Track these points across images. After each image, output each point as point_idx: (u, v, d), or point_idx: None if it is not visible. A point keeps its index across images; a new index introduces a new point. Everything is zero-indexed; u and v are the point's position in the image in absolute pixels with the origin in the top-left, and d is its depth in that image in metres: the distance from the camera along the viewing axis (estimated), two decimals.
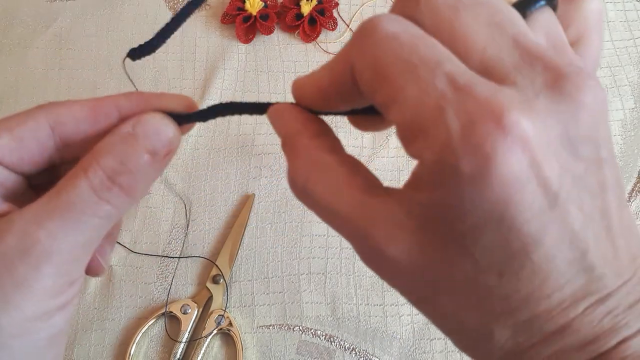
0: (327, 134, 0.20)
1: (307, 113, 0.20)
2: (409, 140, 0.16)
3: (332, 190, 0.18)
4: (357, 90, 0.17)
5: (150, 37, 0.23)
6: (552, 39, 0.17)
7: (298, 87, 0.21)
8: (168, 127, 0.23)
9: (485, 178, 0.14)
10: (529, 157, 0.14)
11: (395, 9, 0.18)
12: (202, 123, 0.54)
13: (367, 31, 0.16)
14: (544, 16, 0.18)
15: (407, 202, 0.16)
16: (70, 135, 0.22)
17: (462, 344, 0.18)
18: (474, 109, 0.14)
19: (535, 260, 0.15)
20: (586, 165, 0.15)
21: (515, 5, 0.17)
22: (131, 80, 0.23)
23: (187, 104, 0.24)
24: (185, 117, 0.21)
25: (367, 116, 0.21)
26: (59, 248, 0.20)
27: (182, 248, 0.47)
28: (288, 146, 0.20)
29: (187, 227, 0.48)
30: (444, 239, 0.15)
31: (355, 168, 0.19)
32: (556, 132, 0.15)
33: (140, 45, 0.22)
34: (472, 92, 0.14)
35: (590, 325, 0.15)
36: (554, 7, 0.18)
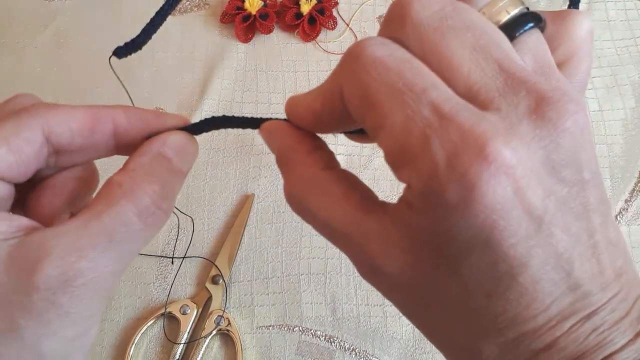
0: (322, 148, 0.20)
1: (298, 130, 0.21)
2: (397, 167, 0.16)
3: (329, 207, 0.18)
4: (349, 114, 0.18)
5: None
6: (539, 62, 0.17)
7: (292, 106, 0.21)
8: (193, 146, 0.23)
9: (470, 206, 0.14)
10: (513, 184, 0.14)
11: (382, 32, 0.18)
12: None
13: (354, 56, 0.17)
14: (531, 38, 0.18)
15: (400, 221, 0.17)
16: (63, 145, 0.22)
17: (451, 359, 0.18)
18: (458, 138, 0.14)
19: (521, 282, 0.15)
20: (569, 188, 0.15)
21: (502, 28, 0.17)
22: (119, 79, 0.23)
23: (184, 123, 0.23)
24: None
25: (361, 136, 0.21)
26: (100, 278, 0.19)
27: (186, 249, 0.47)
28: (283, 162, 0.20)
29: (191, 238, 0.48)
30: (433, 259, 0.16)
31: (351, 183, 0.19)
32: (539, 157, 0.15)
33: (126, 43, 0.22)
34: (455, 120, 0.15)
35: (576, 343, 0.16)
36: (542, 29, 0.18)
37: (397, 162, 0.16)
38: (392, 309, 0.45)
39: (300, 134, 0.20)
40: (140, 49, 0.23)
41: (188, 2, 0.59)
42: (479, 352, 0.17)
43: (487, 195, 0.14)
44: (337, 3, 0.58)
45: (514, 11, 0.18)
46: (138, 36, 0.23)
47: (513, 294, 0.15)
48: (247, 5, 0.55)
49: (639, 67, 0.56)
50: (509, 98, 0.15)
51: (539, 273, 0.15)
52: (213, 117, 0.22)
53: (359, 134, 0.21)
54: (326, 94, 0.19)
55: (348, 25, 0.58)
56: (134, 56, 0.59)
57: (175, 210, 0.49)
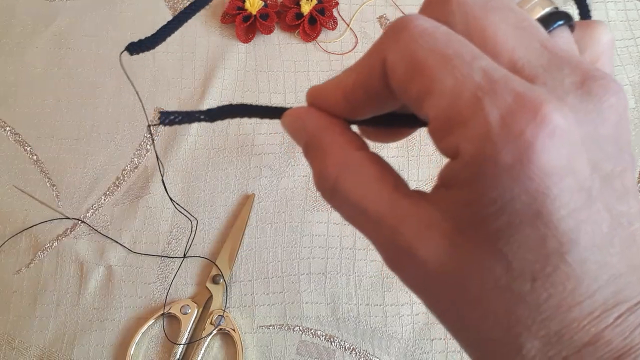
0: (351, 131, 0.20)
1: (326, 114, 0.20)
2: (443, 134, 0.15)
3: (363, 188, 0.18)
4: (386, 89, 0.17)
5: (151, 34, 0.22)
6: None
7: (316, 91, 0.20)
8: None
9: (526, 167, 0.14)
10: (567, 150, 0.14)
11: (423, 11, 0.18)
12: (202, 123, 0.54)
13: (401, 26, 0.17)
14: (563, 34, 0.18)
15: (441, 202, 0.16)
16: None
17: (482, 358, 0.17)
18: (512, 100, 0.14)
19: (569, 262, 0.15)
20: (613, 166, 0.15)
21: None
22: (127, 76, 0.23)
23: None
24: (193, 117, 0.21)
25: (383, 127, 0.20)
26: None
27: (186, 248, 0.47)
28: (314, 145, 0.19)
29: (193, 238, 0.48)
30: (477, 240, 0.15)
31: (385, 166, 0.18)
32: (586, 129, 0.15)
33: (140, 40, 0.21)
34: (508, 85, 0.14)
35: (622, 337, 0.15)
36: (572, 28, 0.19)
37: (444, 128, 0.15)
38: (392, 309, 0.45)
39: (330, 116, 0.20)
40: (154, 48, 0.22)
41: (188, 2, 0.59)
42: (519, 349, 0.15)
43: (544, 156, 0.14)
44: (337, 3, 0.58)
45: (547, 9, 0.18)
46: (154, 34, 0.22)
47: (559, 277, 0.15)
48: (247, 5, 0.56)
49: (639, 68, 0.56)
50: (553, 74, 0.15)
51: (586, 253, 0.14)
52: (231, 104, 0.21)
53: (377, 125, 0.20)
54: (363, 69, 0.18)
55: (348, 25, 0.58)
56: (134, 56, 0.59)
57: (175, 210, 0.49)
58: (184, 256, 0.47)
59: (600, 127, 0.15)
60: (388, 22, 0.58)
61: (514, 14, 0.17)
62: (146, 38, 0.22)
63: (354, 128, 0.20)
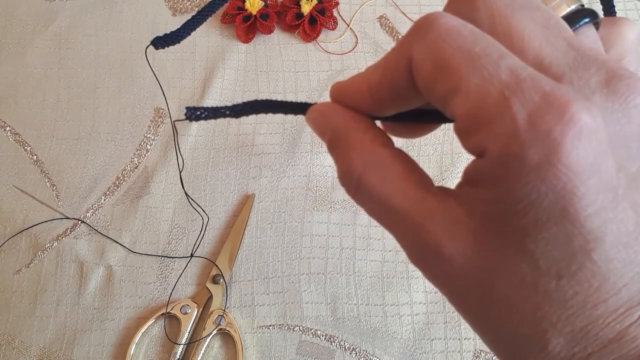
0: (376, 127, 0.20)
1: (351, 110, 0.20)
2: (470, 132, 0.16)
3: (389, 184, 0.18)
4: (411, 87, 0.17)
5: (165, 32, 0.21)
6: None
7: (340, 88, 0.20)
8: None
9: (553, 166, 0.14)
10: (594, 149, 0.14)
11: (449, 8, 0.18)
12: (204, 121, 0.54)
13: (427, 24, 0.17)
14: (588, 32, 0.18)
15: (467, 199, 0.16)
16: None
17: (508, 356, 0.17)
18: (539, 99, 0.14)
19: (595, 259, 0.15)
20: (638, 165, 0.15)
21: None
22: (152, 70, 0.23)
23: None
24: (219, 112, 0.20)
25: (408, 123, 0.20)
26: None
27: (194, 248, 0.47)
28: (339, 141, 0.19)
29: (203, 234, 0.48)
30: (504, 238, 0.15)
31: (410, 163, 0.18)
32: (612, 129, 0.15)
33: (166, 34, 0.21)
34: (535, 83, 0.15)
35: None
36: (597, 26, 0.19)
37: (471, 127, 0.15)
38: (392, 309, 0.46)
39: (355, 112, 0.20)
40: (179, 42, 0.22)
41: (189, 2, 0.59)
42: (545, 345, 0.15)
43: (572, 156, 0.14)
44: (337, 3, 0.58)
45: (572, 6, 0.18)
46: (180, 29, 0.21)
47: (585, 274, 0.15)
48: (247, 5, 0.56)
49: (638, 68, 0.56)
50: (580, 73, 0.16)
51: (612, 251, 0.15)
52: (256, 100, 0.21)
53: (401, 121, 0.20)
54: (389, 65, 0.18)
55: (349, 25, 0.58)
56: (135, 56, 0.59)
57: (175, 210, 0.49)
58: (191, 255, 0.47)
59: (626, 127, 0.15)
60: (388, 22, 0.58)
61: (540, 12, 0.17)
62: (172, 32, 0.21)
63: (378, 124, 0.20)
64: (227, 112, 0.20)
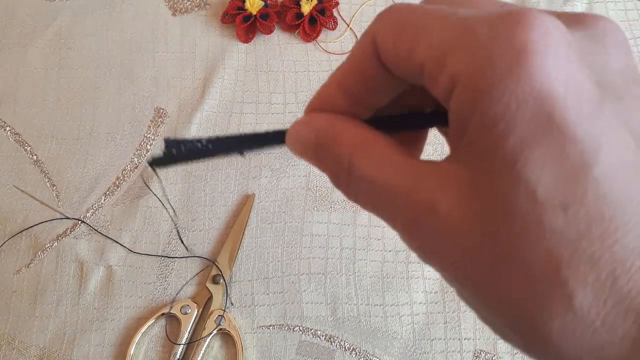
0: (359, 120, 0.19)
1: (329, 112, 0.19)
2: (437, 72, 0.15)
3: (379, 160, 0.17)
4: (381, 69, 0.17)
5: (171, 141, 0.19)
6: None
7: (311, 100, 0.20)
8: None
9: (524, 66, 0.13)
10: (565, 52, 0.14)
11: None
12: (204, 120, 0.54)
13: (385, 10, 0.17)
14: None
15: (456, 154, 0.15)
16: None
17: (526, 325, 0.14)
18: (497, 17, 0.14)
19: (597, 177, 0.13)
20: (625, 93, 0.15)
21: None
22: (158, 176, 0.22)
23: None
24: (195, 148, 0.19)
25: (396, 129, 0.20)
26: None
27: (192, 247, 0.47)
28: (324, 141, 0.18)
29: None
30: (497, 175, 0.14)
31: (396, 141, 0.18)
32: (581, 43, 0.15)
33: (164, 154, 0.20)
34: (492, 11, 0.14)
35: None
36: None
37: (437, 68, 0.15)
38: (392, 309, 0.45)
39: (333, 114, 0.19)
40: (177, 164, 0.20)
41: (189, 2, 0.59)
42: (568, 301, 0.13)
43: (540, 56, 0.13)
44: (337, 3, 0.58)
45: None
46: (183, 154, 0.20)
47: (593, 202, 0.13)
48: (247, 5, 0.56)
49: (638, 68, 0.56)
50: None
51: (615, 170, 0.13)
52: (228, 136, 0.19)
53: (389, 128, 0.19)
54: (354, 56, 0.18)
55: (349, 25, 0.58)
56: (135, 56, 0.59)
57: (175, 210, 0.49)
58: (180, 257, 0.47)
59: (599, 55, 0.15)
60: None
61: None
62: (172, 155, 0.20)
63: None
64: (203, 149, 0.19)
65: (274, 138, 0.20)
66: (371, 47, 0.17)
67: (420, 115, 0.19)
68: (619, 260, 0.13)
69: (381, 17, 0.17)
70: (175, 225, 0.48)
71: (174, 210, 0.49)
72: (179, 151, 0.19)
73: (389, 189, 0.16)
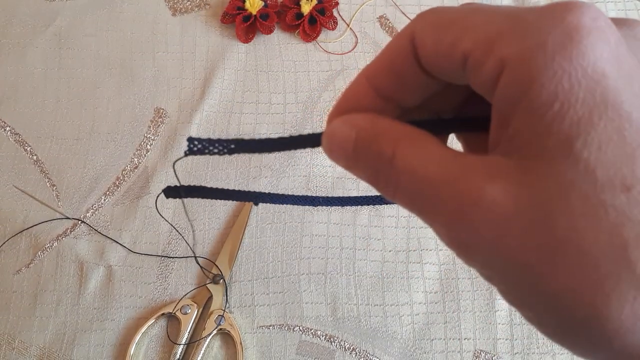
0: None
1: (366, 112, 0.19)
2: (484, 56, 0.15)
3: (422, 154, 0.16)
4: (415, 66, 0.17)
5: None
6: None
7: (337, 103, 0.19)
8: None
9: (576, 44, 0.13)
10: (613, 36, 0.14)
11: None
12: (204, 120, 0.54)
13: (425, 11, 0.17)
14: None
15: (494, 145, 0.15)
16: None
17: (585, 311, 0.13)
18: (547, 4, 0.14)
19: None
20: None
21: None
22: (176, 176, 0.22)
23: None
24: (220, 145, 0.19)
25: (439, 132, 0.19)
26: None
27: (194, 247, 0.47)
28: (367, 133, 0.18)
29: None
30: (550, 158, 0.13)
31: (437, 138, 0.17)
32: (625, 38, 0.15)
33: (179, 186, 0.20)
34: (539, 4, 0.15)
35: None
36: None
37: (484, 51, 0.15)
38: (392, 309, 0.45)
39: (373, 113, 0.18)
40: (189, 196, 0.20)
41: (189, 2, 0.59)
42: (637, 282, 0.12)
43: (592, 35, 0.13)
44: (337, 3, 0.58)
45: None
46: (195, 187, 0.20)
47: None
48: (247, 5, 0.56)
49: None
50: None
51: None
52: (267, 139, 0.19)
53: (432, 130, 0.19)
54: (388, 51, 0.18)
55: (349, 25, 0.58)
56: (135, 56, 0.59)
57: (175, 210, 0.49)
58: (180, 257, 0.47)
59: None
60: (388, 22, 0.58)
61: None
62: (187, 186, 0.20)
63: None
64: (227, 149, 0.19)
65: (307, 141, 0.19)
66: (409, 45, 0.17)
67: (459, 120, 0.19)
68: None
69: (423, 17, 0.17)
70: (190, 225, 0.48)
71: (190, 223, 0.49)
72: (202, 151, 0.19)
73: (432, 181, 0.16)
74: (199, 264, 0.46)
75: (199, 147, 0.19)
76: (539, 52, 0.13)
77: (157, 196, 0.21)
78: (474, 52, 0.15)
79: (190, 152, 0.19)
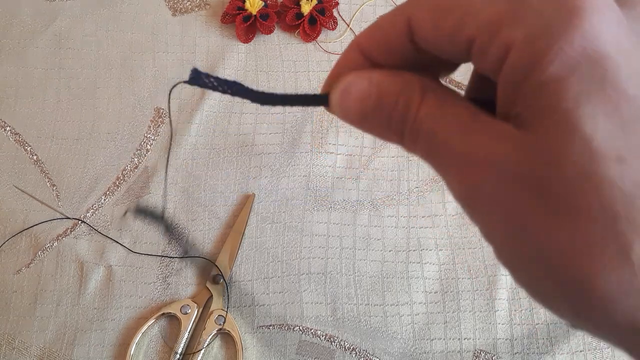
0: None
1: (380, 69, 0.19)
2: (490, 40, 0.15)
3: (444, 109, 0.17)
4: (409, 46, 0.18)
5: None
6: None
7: (336, 67, 0.20)
8: None
9: (578, 28, 0.14)
10: (615, 16, 0.14)
11: None
12: (204, 120, 0.54)
13: None
14: None
15: (507, 119, 0.16)
16: None
17: (576, 290, 0.14)
18: None
19: None
20: None
21: None
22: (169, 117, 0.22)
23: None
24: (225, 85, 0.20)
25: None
26: None
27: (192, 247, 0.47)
28: (392, 87, 0.18)
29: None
30: (551, 130, 0.14)
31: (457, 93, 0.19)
32: (626, 17, 0.15)
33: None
34: None
35: None
36: None
37: (487, 39, 0.15)
38: (392, 309, 0.46)
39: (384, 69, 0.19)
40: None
41: (189, 2, 0.59)
42: (625, 253, 0.13)
43: (592, 16, 0.14)
44: (337, 3, 0.58)
45: None
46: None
47: None
48: (247, 5, 0.56)
49: None
50: None
51: None
52: (272, 93, 0.20)
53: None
54: (382, 30, 0.18)
55: (349, 25, 0.58)
56: (135, 56, 0.59)
57: (175, 210, 0.49)
58: (180, 257, 0.47)
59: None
60: None
61: None
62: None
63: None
64: (230, 91, 0.20)
65: (311, 100, 0.20)
66: (404, 27, 0.17)
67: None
68: None
69: (418, 1, 0.17)
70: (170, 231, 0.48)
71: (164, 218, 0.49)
72: (201, 84, 0.20)
73: (450, 139, 0.17)
74: (199, 257, 0.46)
75: (201, 80, 0.19)
76: (542, 35, 0.14)
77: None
78: (479, 37, 0.16)
79: (191, 81, 0.19)
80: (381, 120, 0.18)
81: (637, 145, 0.13)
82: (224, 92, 0.20)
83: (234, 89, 0.20)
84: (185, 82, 0.19)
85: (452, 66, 0.20)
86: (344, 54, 0.20)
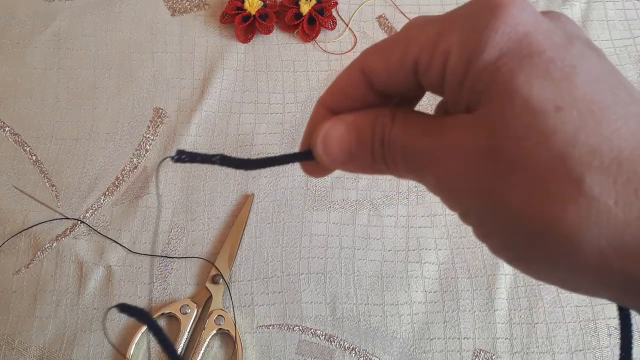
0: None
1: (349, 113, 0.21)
2: (430, 55, 0.18)
3: (409, 128, 0.19)
4: (370, 93, 0.20)
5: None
6: None
7: (307, 126, 0.22)
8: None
9: (500, 18, 0.16)
10: (532, 10, 0.17)
11: None
12: (203, 120, 0.54)
13: (366, 48, 0.20)
14: None
15: (458, 107, 0.18)
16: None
17: (541, 220, 0.15)
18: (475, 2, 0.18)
19: (580, 84, 0.15)
20: (580, 41, 0.17)
21: None
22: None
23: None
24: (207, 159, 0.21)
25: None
26: None
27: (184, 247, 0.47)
28: (366, 126, 0.20)
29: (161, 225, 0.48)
30: (496, 101, 0.16)
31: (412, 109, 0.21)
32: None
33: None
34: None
35: None
36: None
37: (429, 52, 0.18)
38: (392, 309, 0.46)
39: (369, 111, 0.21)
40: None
41: (188, 2, 0.59)
42: (578, 185, 0.14)
43: (511, 7, 0.16)
44: (336, 3, 0.58)
45: None
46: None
47: (580, 99, 0.15)
48: (246, 5, 0.56)
49: (637, 67, 0.56)
50: None
51: (592, 78, 0.16)
52: (254, 159, 0.21)
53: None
54: (341, 85, 0.21)
55: (347, 25, 0.58)
56: (134, 56, 0.59)
57: (175, 210, 0.49)
58: (180, 257, 0.47)
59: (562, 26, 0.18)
60: (387, 21, 0.58)
61: None
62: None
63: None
64: (217, 161, 0.21)
65: (293, 158, 0.21)
66: (359, 76, 0.20)
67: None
68: (618, 147, 0.14)
69: (367, 50, 0.20)
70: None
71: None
72: (190, 160, 0.21)
73: (420, 147, 0.19)
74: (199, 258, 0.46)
75: (185, 158, 0.21)
76: (472, 32, 0.17)
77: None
78: (421, 55, 0.18)
79: (177, 160, 0.20)
80: (366, 153, 0.20)
81: (569, 95, 0.15)
82: (212, 163, 0.21)
83: (219, 160, 0.21)
84: (171, 158, 0.20)
85: (412, 99, 0.22)
86: (312, 113, 0.22)
